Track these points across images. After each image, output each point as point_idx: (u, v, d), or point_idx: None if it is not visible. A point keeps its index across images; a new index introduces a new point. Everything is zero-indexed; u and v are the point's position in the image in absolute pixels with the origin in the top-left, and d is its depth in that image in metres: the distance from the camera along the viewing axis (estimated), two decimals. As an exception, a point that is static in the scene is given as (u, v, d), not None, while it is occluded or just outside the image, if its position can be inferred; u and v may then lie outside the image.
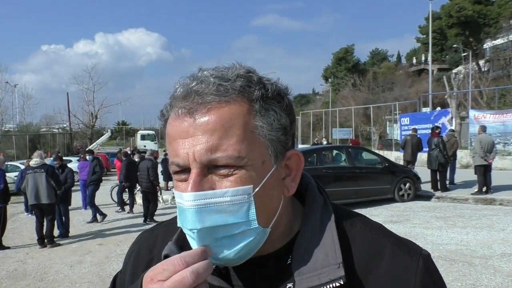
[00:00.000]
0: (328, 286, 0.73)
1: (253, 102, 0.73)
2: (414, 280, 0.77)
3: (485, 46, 48.14)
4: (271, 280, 0.79)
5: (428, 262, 0.81)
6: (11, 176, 17.26)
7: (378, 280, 0.77)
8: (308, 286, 0.74)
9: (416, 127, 16.87)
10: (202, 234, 0.71)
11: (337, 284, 0.73)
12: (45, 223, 8.97)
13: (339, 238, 0.78)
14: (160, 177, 16.46)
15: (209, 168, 0.71)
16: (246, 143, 0.71)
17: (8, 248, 8.83)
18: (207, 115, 0.70)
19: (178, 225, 0.76)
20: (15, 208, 14.10)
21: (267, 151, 0.74)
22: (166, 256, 0.81)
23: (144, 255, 0.94)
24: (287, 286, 0.76)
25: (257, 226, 0.72)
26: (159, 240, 0.93)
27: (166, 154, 18.46)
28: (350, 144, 21.83)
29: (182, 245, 0.83)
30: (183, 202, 0.71)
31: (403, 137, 20.40)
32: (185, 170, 0.73)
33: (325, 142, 27.15)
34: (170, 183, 17.27)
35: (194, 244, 0.74)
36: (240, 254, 0.74)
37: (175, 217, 0.97)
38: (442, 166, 12.97)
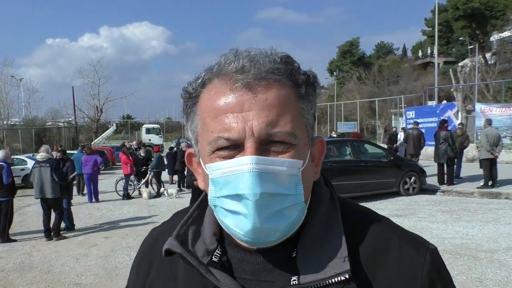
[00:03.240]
0: (333, 280, 0.72)
1: (299, 86, 0.75)
2: (421, 274, 0.76)
3: (491, 38, 47.71)
4: (274, 273, 0.78)
5: (435, 256, 0.80)
6: (16, 169, 17.40)
7: (385, 274, 0.76)
8: (313, 279, 0.73)
9: (422, 120, 16.86)
10: (261, 205, 0.68)
11: (343, 278, 0.72)
12: (53, 216, 9.04)
13: (345, 231, 0.78)
14: (165, 171, 16.58)
15: (263, 144, 0.71)
16: (297, 123, 0.74)
17: (15, 241, 8.90)
18: (266, 91, 0.71)
19: (216, 198, 0.73)
20: (21, 202, 14.20)
21: (307, 134, 0.77)
22: (168, 251, 0.81)
23: (144, 261, 0.94)
24: (292, 279, 0.75)
25: (302, 201, 0.73)
26: (160, 242, 0.91)
27: (171, 148, 18.51)
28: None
29: (183, 240, 0.83)
30: (241, 167, 0.69)
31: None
32: (232, 147, 0.71)
33: (334, 135, 27.05)
34: (175, 177, 17.31)
35: (241, 221, 0.71)
36: (284, 233, 0.74)
37: (172, 217, 0.97)
38: (451, 160, 12.92)
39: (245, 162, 0.68)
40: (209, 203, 0.76)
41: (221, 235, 0.83)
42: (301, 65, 0.77)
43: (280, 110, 0.71)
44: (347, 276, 0.72)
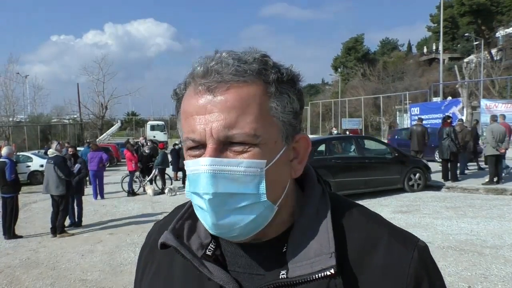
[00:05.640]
0: (319, 275, 0.74)
1: (269, 84, 0.76)
2: (408, 271, 0.77)
3: (497, 34, 47.37)
4: (266, 267, 0.81)
5: (424, 253, 0.81)
6: (22, 166, 17.53)
7: (372, 270, 0.78)
8: (300, 274, 0.76)
9: (426, 117, 16.75)
10: (215, 203, 0.73)
11: (328, 273, 0.74)
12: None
13: (334, 227, 0.79)
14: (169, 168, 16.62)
15: (225, 145, 0.74)
16: (261, 123, 0.74)
17: (21, 237, 8.96)
18: (226, 93, 0.73)
19: (188, 193, 0.78)
20: (27, 198, 14.29)
21: (279, 132, 0.78)
22: (163, 244, 0.84)
23: (148, 254, 0.98)
24: (281, 273, 0.77)
25: (265, 200, 0.75)
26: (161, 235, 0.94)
27: (175, 145, 18.53)
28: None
29: (179, 234, 0.85)
30: (198, 168, 0.73)
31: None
32: (200, 146, 0.75)
33: (335, 132, 27.02)
34: (179, 174, 17.33)
35: (205, 216, 0.76)
36: (247, 230, 0.76)
37: (173, 210, 1.00)
38: (454, 155, 12.88)
39: (202, 164, 0.73)
40: (186, 196, 0.81)
41: None
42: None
43: (239, 112, 0.72)
44: (332, 272, 0.74)
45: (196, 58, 0.79)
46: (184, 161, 0.80)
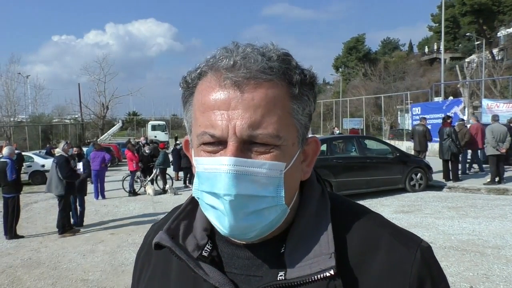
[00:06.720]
0: (318, 276, 0.72)
1: (293, 85, 0.74)
2: (411, 272, 0.75)
3: (499, 34, 47.27)
4: (263, 268, 0.79)
5: (427, 254, 0.79)
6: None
7: (373, 271, 0.76)
8: (299, 275, 0.74)
9: (428, 116, 16.70)
10: (236, 205, 0.70)
11: (328, 274, 0.72)
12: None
13: (334, 228, 0.78)
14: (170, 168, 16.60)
15: (245, 143, 0.71)
16: (284, 124, 0.72)
17: (22, 237, 8.96)
18: (253, 91, 0.70)
19: (198, 191, 0.75)
20: (29, 198, 14.29)
21: (297, 134, 0.76)
22: (157, 244, 0.82)
23: (145, 256, 0.96)
24: (279, 275, 0.75)
25: (283, 203, 0.73)
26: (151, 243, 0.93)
27: (176, 145, 18.53)
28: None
29: (174, 234, 0.83)
30: (219, 167, 0.70)
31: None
32: (217, 143, 0.72)
33: (337, 131, 26.97)
34: (180, 174, 17.31)
35: (219, 217, 0.73)
36: (261, 232, 0.75)
37: (171, 211, 0.97)
38: (455, 156, 12.85)
39: (224, 163, 0.69)
40: (193, 194, 0.78)
41: (212, 231, 0.84)
42: (303, 62, 0.77)
43: (265, 111, 0.70)
44: (332, 273, 0.72)
45: (216, 49, 0.76)
46: (194, 158, 0.77)
